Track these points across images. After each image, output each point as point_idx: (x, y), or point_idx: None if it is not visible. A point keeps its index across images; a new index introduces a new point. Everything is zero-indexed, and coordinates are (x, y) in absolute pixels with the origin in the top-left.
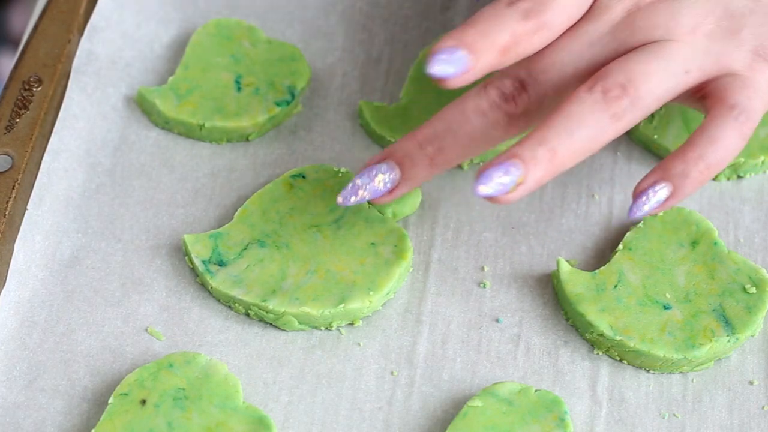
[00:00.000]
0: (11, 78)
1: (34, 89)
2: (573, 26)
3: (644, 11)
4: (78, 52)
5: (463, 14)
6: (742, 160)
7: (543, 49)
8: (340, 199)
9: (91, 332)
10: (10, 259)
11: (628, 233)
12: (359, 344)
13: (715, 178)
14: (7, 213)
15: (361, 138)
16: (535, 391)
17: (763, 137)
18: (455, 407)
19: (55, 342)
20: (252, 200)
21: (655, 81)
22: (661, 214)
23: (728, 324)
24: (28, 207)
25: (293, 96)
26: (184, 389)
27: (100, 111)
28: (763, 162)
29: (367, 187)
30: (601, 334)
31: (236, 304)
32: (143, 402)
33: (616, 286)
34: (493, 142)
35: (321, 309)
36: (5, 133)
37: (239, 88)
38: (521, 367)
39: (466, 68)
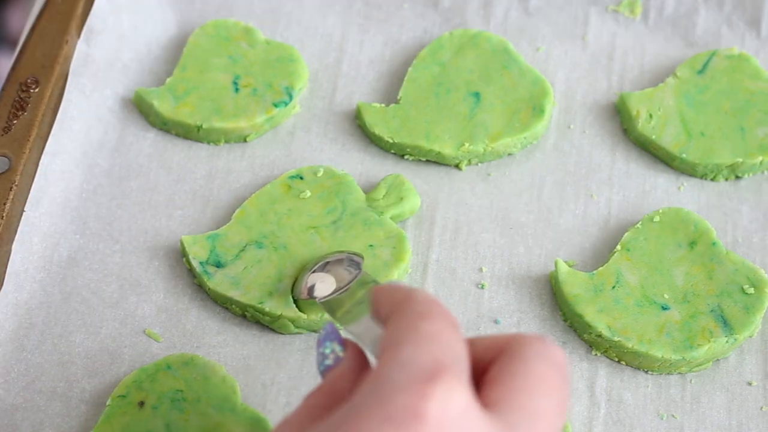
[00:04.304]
0: (8, 79)
1: (32, 90)
2: None
3: None
4: (75, 54)
5: (461, 15)
6: (741, 160)
7: None
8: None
9: (89, 334)
10: (8, 261)
11: (626, 233)
12: None
13: (713, 179)
14: (4, 215)
15: (359, 139)
16: None
17: (762, 137)
18: None
19: (53, 344)
20: (250, 201)
21: None
22: (660, 213)
23: (726, 325)
24: (25, 209)
25: (291, 97)
26: (182, 391)
27: (98, 112)
28: (761, 162)
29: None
30: (600, 335)
31: (233, 306)
32: (141, 404)
33: (614, 287)
34: None
35: (318, 313)
36: (2, 135)
37: (237, 89)
38: None
39: None
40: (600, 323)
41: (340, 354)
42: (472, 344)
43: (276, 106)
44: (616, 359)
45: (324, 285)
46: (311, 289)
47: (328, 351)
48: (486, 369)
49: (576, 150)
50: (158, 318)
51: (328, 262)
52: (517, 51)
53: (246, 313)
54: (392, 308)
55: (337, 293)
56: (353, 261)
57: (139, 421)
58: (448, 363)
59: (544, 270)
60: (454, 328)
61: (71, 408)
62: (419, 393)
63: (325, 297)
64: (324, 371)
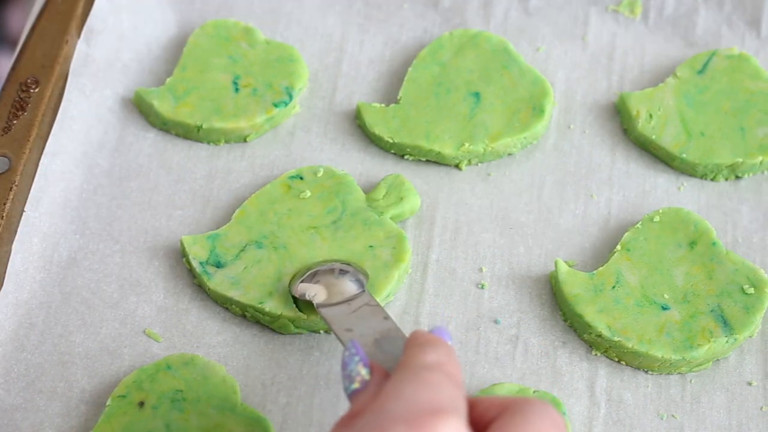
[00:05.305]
0: (8, 79)
1: (32, 90)
2: None
3: None
4: (75, 54)
5: (461, 15)
6: (740, 160)
7: None
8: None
9: (89, 334)
10: (8, 261)
11: (626, 233)
12: None
13: (713, 179)
14: (4, 215)
15: (359, 139)
16: (534, 391)
17: (762, 137)
18: None
19: (52, 344)
20: (250, 201)
21: None
22: (660, 213)
23: (726, 325)
24: (25, 209)
25: (291, 97)
26: (182, 391)
27: (98, 112)
28: (761, 162)
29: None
30: (600, 335)
31: (233, 306)
32: (141, 404)
33: (614, 287)
34: None
35: (317, 314)
36: (2, 135)
37: (237, 89)
38: (519, 368)
39: None
40: (600, 323)
41: (366, 377)
42: (476, 403)
43: (276, 106)
44: (616, 359)
45: (316, 296)
46: (302, 296)
47: (353, 374)
48: (487, 426)
49: (576, 150)
50: (158, 318)
51: (317, 272)
52: (517, 51)
53: (246, 313)
54: (404, 359)
55: (335, 305)
56: (342, 271)
57: (139, 421)
58: (448, 406)
59: (544, 270)
60: (457, 385)
61: (71, 408)
62: (420, 424)
63: (321, 304)
64: (351, 395)
